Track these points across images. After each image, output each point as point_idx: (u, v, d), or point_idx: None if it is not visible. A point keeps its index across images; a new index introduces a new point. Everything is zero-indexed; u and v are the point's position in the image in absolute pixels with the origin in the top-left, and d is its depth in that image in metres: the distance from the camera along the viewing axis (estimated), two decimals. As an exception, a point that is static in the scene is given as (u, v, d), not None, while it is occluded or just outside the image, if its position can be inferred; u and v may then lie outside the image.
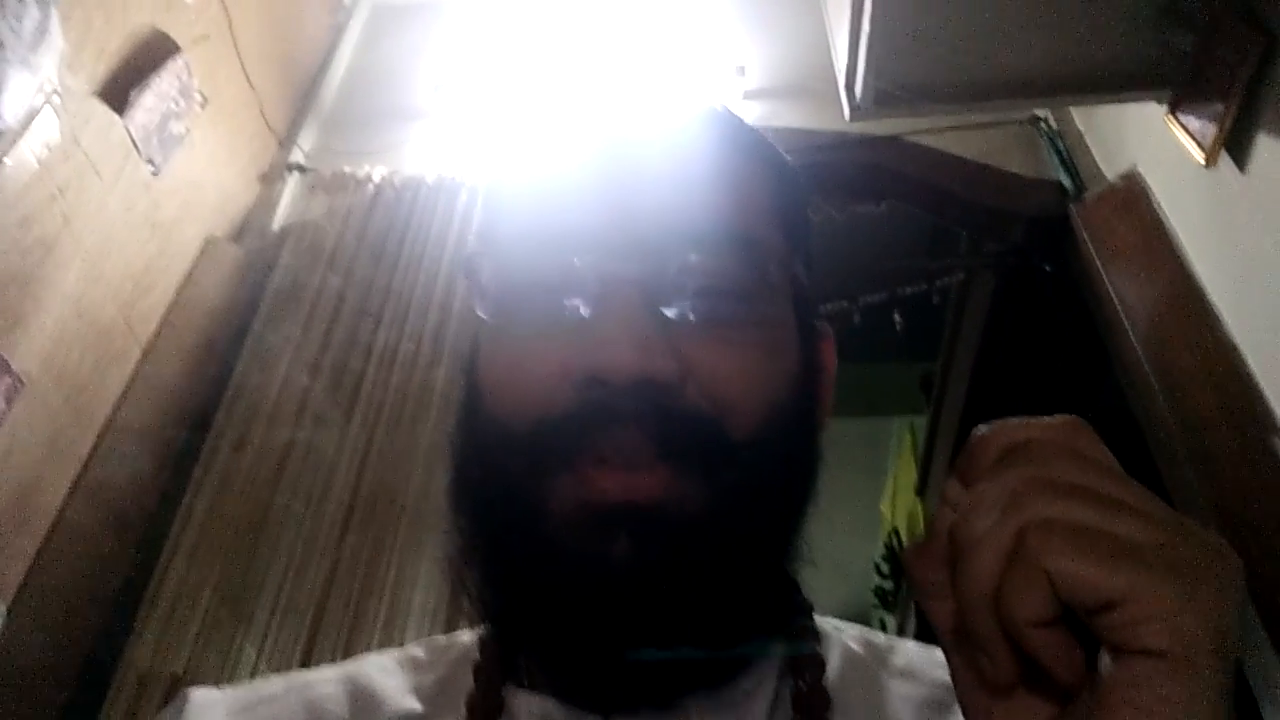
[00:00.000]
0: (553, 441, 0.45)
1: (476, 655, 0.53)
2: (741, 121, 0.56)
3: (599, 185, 0.49)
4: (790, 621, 0.53)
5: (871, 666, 0.53)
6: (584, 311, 0.46)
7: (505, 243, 0.51)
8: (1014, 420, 0.37)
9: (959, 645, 0.37)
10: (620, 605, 0.43)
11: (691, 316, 0.46)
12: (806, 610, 0.54)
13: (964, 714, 0.37)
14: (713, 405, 0.45)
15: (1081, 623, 0.32)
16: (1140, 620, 0.31)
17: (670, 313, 0.46)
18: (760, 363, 0.48)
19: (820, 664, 0.51)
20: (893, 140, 2.04)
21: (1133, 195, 1.70)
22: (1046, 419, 0.37)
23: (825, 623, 0.56)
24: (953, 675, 0.37)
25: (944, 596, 0.36)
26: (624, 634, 0.44)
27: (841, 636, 0.56)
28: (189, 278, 1.92)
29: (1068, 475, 0.34)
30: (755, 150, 0.54)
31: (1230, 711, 0.31)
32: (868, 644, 0.56)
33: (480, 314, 0.50)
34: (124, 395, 1.71)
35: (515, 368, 0.48)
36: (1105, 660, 0.32)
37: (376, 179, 2.17)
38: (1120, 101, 1.54)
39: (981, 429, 0.38)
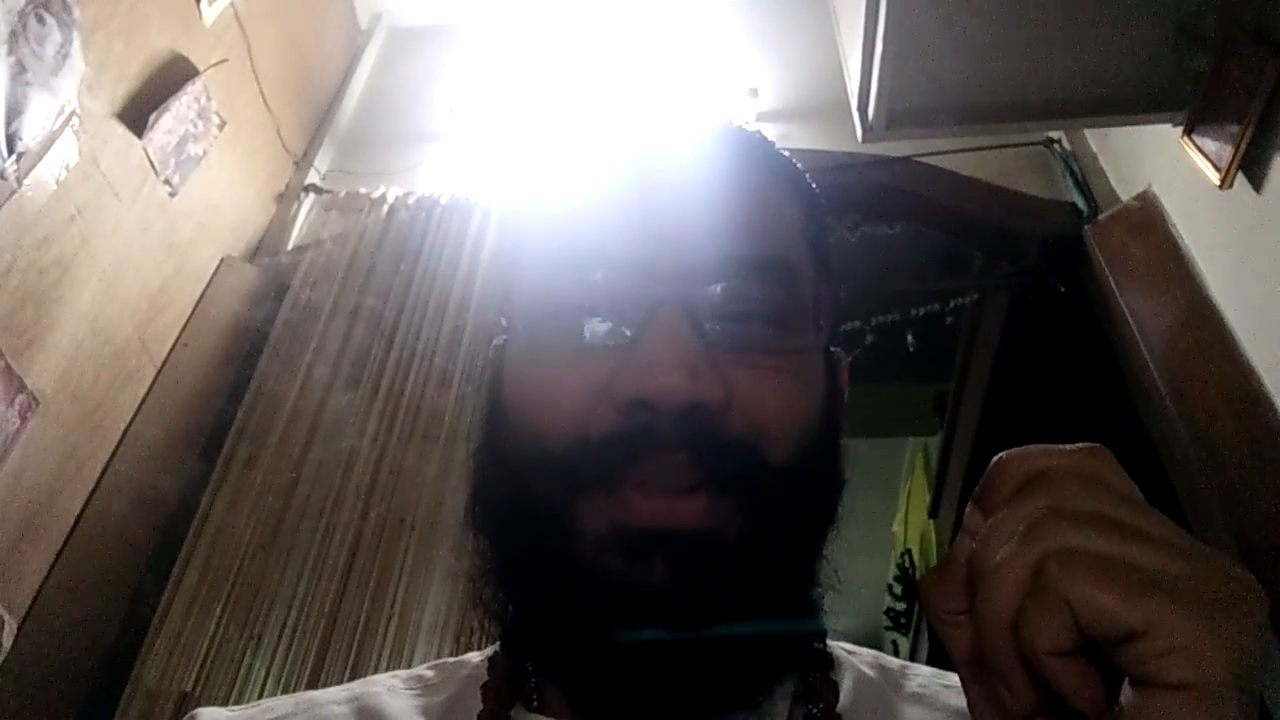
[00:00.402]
0: (592, 463, 0.44)
1: (485, 676, 0.53)
2: (768, 142, 0.55)
3: (632, 206, 0.48)
4: (805, 646, 0.53)
5: (885, 691, 0.53)
6: (628, 333, 0.45)
7: (537, 263, 0.51)
8: (1034, 447, 0.37)
9: (976, 674, 0.36)
10: (656, 628, 0.43)
11: (731, 340, 0.46)
12: (821, 635, 0.53)
13: None
14: (752, 431, 0.45)
15: (1102, 652, 0.32)
16: (1163, 653, 0.30)
17: (711, 336, 0.45)
18: (795, 388, 0.47)
19: (834, 691, 0.51)
20: (906, 161, 2.04)
21: (1147, 216, 1.70)
22: (1067, 446, 0.37)
23: (839, 647, 0.55)
24: (970, 705, 0.37)
25: (961, 625, 0.36)
26: (654, 658, 0.43)
27: (855, 661, 0.55)
28: (204, 297, 1.93)
29: (1088, 504, 0.34)
30: (782, 171, 0.54)
31: None
32: (881, 668, 0.55)
33: (508, 333, 0.50)
34: (138, 413, 1.72)
35: (549, 388, 0.47)
36: (1127, 692, 0.32)
37: (391, 199, 2.19)
38: (1135, 123, 1.54)
39: (1001, 456, 0.37)
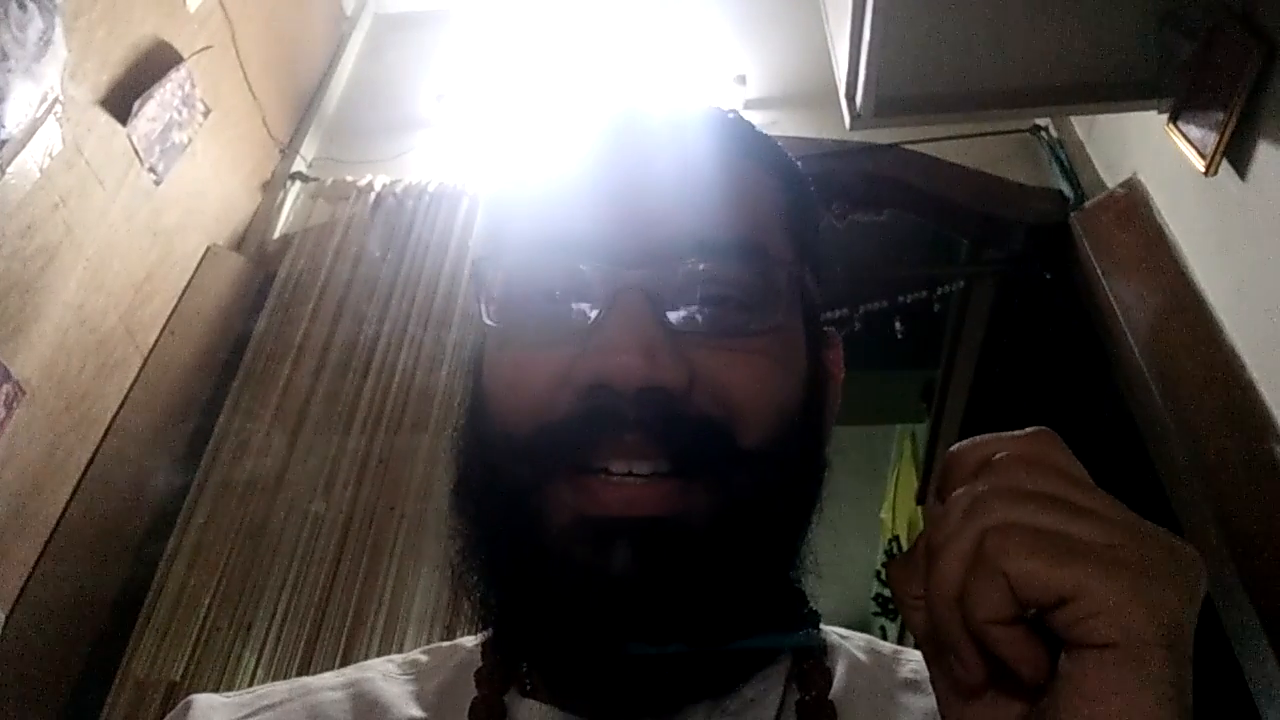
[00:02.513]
0: (554, 447, 0.45)
1: (479, 661, 0.53)
2: (750, 126, 0.55)
3: (607, 190, 0.48)
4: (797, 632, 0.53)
5: (878, 676, 0.53)
6: (589, 316, 0.45)
7: (513, 248, 0.51)
8: (984, 436, 0.39)
9: (935, 652, 0.38)
10: (621, 615, 0.43)
11: (699, 323, 0.46)
12: (814, 620, 0.53)
13: (941, 718, 0.39)
14: (721, 412, 0.45)
15: (1047, 628, 0.34)
16: (1089, 614, 0.32)
17: (677, 319, 0.45)
18: (768, 370, 0.47)
19: (826, 675, 0.51)
20: (893, 149, 2.04)
21: (1133, 203, 1.70)
22: (1017, 432, 0.39)
23: (832, 632, 0.56)
24: (931, 683, 0.39)
25: (922, 607, 0.38)
26: (624, 643, 0.43)
27: (848, 646, 0.55)
28: (190, 286, 1.92)
29: (1029, 482, 0.36)
30: (763, 155, 0.54)
31: (1187, 705, 0.32)
32: (874, 653, 0.55)
33: (485, 319, 0.50)
34: (124, 403, 1.71)
35: (518, 373, 0.47)
36: (1064, 657, 0.33)
37: (378, 187, 2.17)
38: (1121, 110, 1.54)
39: (954, 447, 0.39)
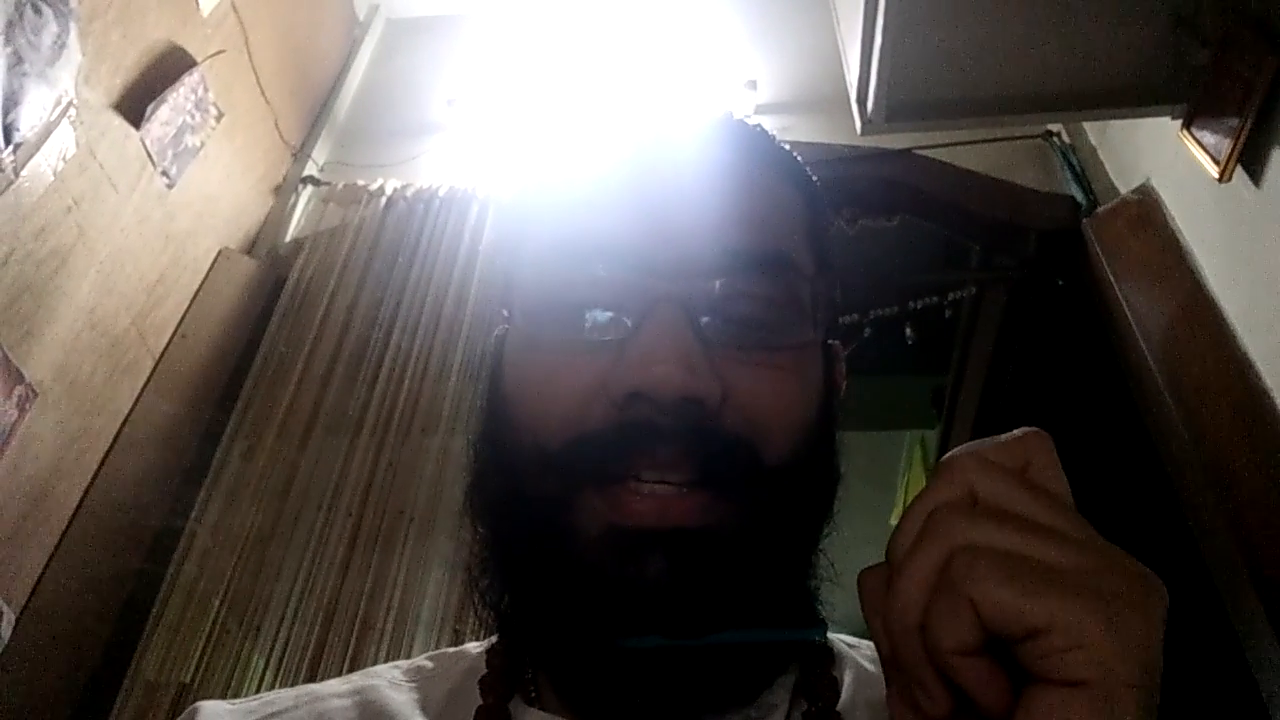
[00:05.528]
0: (588, 458, 0.44)
1: (484, 668, 0.53)
2: (768, 135, 0.55)
3: (632, 197, 0.48)
4: (805, 641, 0.53)
5: (884, 686, 0.53)
6: (627, 325, 0.45)
7: (539, 253, 0.51)
8: (975, 443, 0.37)
9: (894, 674, 0.35)
10: (653, 626, 0.43)
11: (730, 336, 0.46)
12: (822, 629, 0.53)
13: None
14: (748, 429, 0.45)
15: (1006, 651, 0.32)
16: (1062, 649, 0.30)
17: (709, 332, 0.45)
18: (793, 387, 0.47)
19: (834, 686, 0.51)
20: (905, 154, 2.04)
21: (1146, 210, 1.69)
22: (1005, 436, 0.37)
23: (839, 640, 0.56)
24: (888, 701, 0.36)
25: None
26: (652, 660, 0.43)
27: (855, 655, 0.55)
28: (202, 289, 1.93)
29: (996, 497, 0.34)
30: (784, 165, 0.54)
31: None
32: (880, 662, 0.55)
33: (507, 324, 0.50)
34: (136, 405, 1.72)
35: (547, 383, 0.47)
36: (1029, 689, 0.32)
37: (389, 191, 2.18)
38: (1134, 116, 1.53)
39: (946, 456, 0.38)
